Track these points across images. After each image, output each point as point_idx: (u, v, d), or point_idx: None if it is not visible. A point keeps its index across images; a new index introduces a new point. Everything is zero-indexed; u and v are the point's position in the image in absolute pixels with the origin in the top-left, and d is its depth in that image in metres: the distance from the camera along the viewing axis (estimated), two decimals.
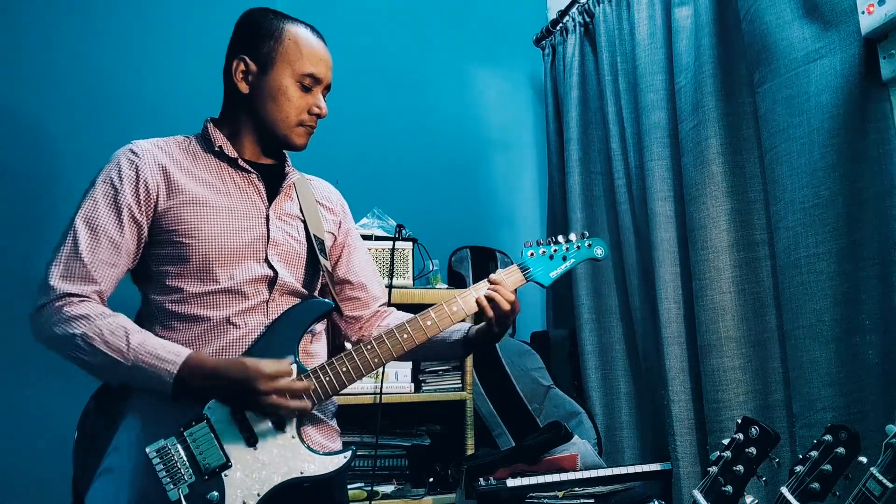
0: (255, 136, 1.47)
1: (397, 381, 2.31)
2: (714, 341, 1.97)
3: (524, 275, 1.52)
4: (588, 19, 2.73)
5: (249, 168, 1.45)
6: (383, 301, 1.67)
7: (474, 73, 3.18)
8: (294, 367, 1.33)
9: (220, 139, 1.44)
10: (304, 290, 1.46)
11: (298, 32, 1.44)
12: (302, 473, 1.32)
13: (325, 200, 1.61)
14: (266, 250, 1.41)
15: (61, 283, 1.28)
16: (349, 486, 2.09)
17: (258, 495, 1.29)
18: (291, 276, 1.44)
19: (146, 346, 1.26)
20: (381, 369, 2.18)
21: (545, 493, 1.98)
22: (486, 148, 3.16)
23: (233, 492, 1.28)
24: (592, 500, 1.97)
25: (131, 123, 2.36)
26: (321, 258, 1.49)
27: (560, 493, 1.98)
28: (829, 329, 1.65)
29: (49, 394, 2.10)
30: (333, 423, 1.51)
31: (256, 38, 1.42)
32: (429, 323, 1.45)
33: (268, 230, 1.42)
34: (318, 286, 1.53)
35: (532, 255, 1.55)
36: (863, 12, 1.55)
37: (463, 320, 1.50)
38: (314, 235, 1.49)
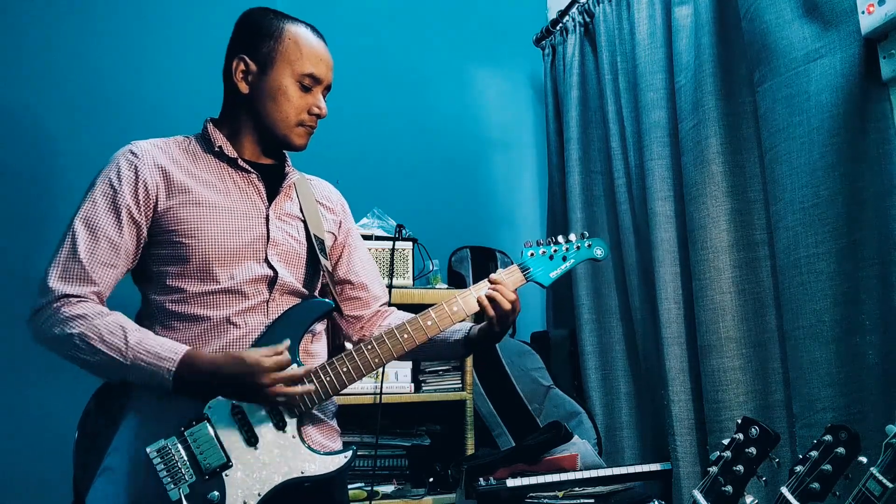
0: (254, 136, 1.46)
1: (397, 381, 2.31)
2: (714, 341, 1.97)
3: (524, 275, 1.52)
4: (588, 19, 2.73)
5: (249, 168, 1.45)
6: (384, 301, 1.67)
7: (474, 73, 3.18)
8: (288, 342, 1.33)
9: (219, 139, 1.44)
10: (304, 290, 1.46)
11: (298, 32, 1.44)
12: (303, 473, 1.32)
13: (326, 200, 1.61)
14: (266, 250, 1.41)
15: (59, 284, 1.28)
16: (349, 486, 2.09)
17: (259, 495, 1.29)
18: (291, 276, 1.44)
19: (144, 345, 1.26)
20: (381, 369, 2.18)
21: (545, 493, 1.98)
22: (486, 148, 3.16)
23: (233, 491, 1.28)
24: (592, 500, 1.97)
25: (131, 123, 2.36)
26: (321, 258, 1.49)
27: (560, 493, 1.98)
28: (829, 329, 1.65)
29: (49, 394, 2.10)
30: (334, 422, 1.51)
31: (256, 37, 1.42)
32: (429, 323, 1.45)
33: (267, 230, 1.42)
34: (319, 286, 1.53)
35: (532, 255, 1.55)
36: (863, 12, 1.55)
37: (463, 320, 1.50)
38: (314, 235, 1.49)
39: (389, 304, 1.70)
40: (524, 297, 1.52)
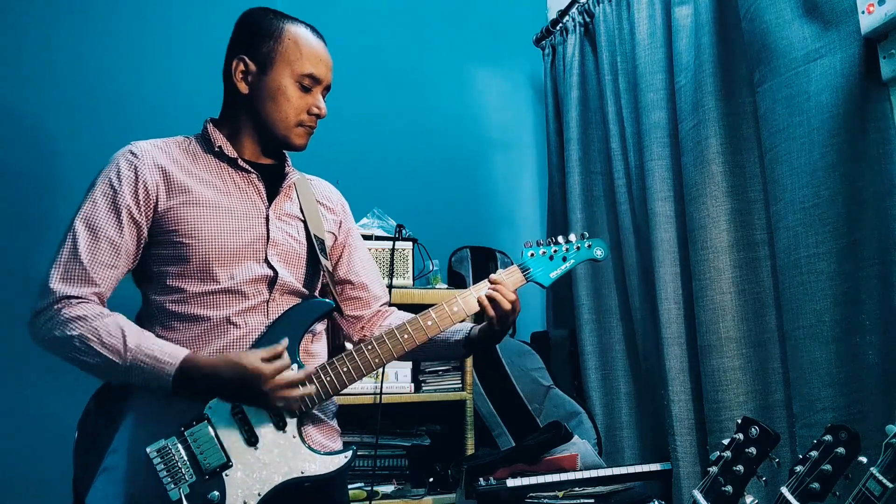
0: (254, 137, 1.46)
1: (397, 381, 2.31)
2: (714, 341, 1.97)
3: (524, 275, 1.52)
4: (588, 19, 2.73)
5: (249, 168, 1.45)
6: (385, 301, 1.67)
7: (474, 73, 3.18)
8: (286, 341, 1.32)
9: (219, 139, 1.44)
10: (304, 290, 1.46)
11: (298, 32, 1.44)
12: (303, 473, 1.32)
13: (326, 200, 1.61)
14: (266, 250, 1.41)
15: (60, 285, 1.28)
16: (349, 486, 2.09)
17: (259, 495, 1.29)
18: (291, 276, 1.44)
19: (143, 348, 1.26)
20: (381, 369, 2.18)
21: (545, 493, 1.98)
22: (486, 148, 3.16)
23: (234, 491, 1.28)
24: (592, 500, 1.97)
25: (131, 123, 2.36)
26: (321, 258, 1.49)
27: (560, 493, 1.98)
28: (829, 329, 1.65)
29: (49, 394, 2.10)
30: (334, 422, 1.51)
31: (256, 37, 1.42)
32: (429, 323, 1.45)
33: (267, 230, 1.42)
34: (319, 286, 1.53)
35: (532, 255, 1.55)
36: (863, 12, 1.55)
37: (463, 320, 1.50)
38: (314, 235, 1.49)
39: (390, 305, 1.70)
40: (524, 297, 1.52)
